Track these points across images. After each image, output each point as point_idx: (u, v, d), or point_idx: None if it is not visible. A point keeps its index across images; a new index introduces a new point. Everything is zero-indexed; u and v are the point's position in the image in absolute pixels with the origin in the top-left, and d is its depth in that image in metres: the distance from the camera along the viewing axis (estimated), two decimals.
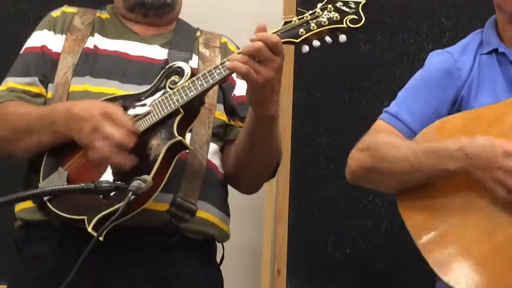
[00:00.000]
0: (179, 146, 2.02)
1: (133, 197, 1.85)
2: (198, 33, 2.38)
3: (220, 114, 2.26)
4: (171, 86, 2.05)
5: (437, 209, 2.09)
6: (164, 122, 2.03)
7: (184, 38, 2.33)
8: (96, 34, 2.29)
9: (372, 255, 2.92)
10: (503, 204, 2.03)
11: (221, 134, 2.28)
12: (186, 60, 2.20)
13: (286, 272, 2.99)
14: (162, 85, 2.08)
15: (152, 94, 2.09)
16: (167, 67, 2.11)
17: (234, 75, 2.23)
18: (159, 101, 2.04)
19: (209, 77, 2.01)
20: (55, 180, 2.06)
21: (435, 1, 2.88)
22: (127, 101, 2.09)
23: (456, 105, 2.21)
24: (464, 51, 2.27)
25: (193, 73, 2.07)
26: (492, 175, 2.00)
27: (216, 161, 2.24)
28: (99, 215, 1.96)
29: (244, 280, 3.13)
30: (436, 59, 2.27)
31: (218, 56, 2.32)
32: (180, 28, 2.38)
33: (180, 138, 2.00)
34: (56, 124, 2.06)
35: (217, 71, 2.01)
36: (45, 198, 2.05)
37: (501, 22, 2.27)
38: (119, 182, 1.81)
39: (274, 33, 1.99)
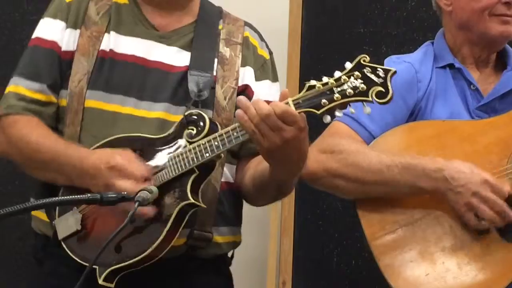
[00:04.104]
0: (192, 206, 2.00)
1: (138, 207, 1.86)
2: (220, 25, 2.26)
3: None
4: (188, 140, 2.01)
5: (397, 215, 2.11)
6: (178, 179, 2.00)
7: (206, 38, 2.22)
8: (111, 32, 2.17)
9: (377, 267, 2.90)
10: (463, 224, 2.07)
11: (236, 151, 2.22)
12: (207, 84, 2.13)
13: (291, 284, 2.99)
14: (180, 135, 2.04)
15: (169, 143, 2.04)
16: (185, 114, 2.05)
17: (251, 84, 2.21)
18: (174, 157, 2.00)
19: (226, 140, 1.95)
20: (69, 220, 2.05)
21: None
22: (144, 146, 2.06)
23: (413, 116, 2.24)
24: (422, 63, 2.29)
25: (211, 127, 2.01)
26: (466, 200, 2.03)
27: (230, 179, 2.21)
28: (110, 269, 1.96)
29: None
30: (397, 68, 2.27)
31: (238, 56, 2.22)
32: (202, 20, 2.25)
33: (192, 201, 1.97)
34: (70, 175, 2.04)
35: (235, 134, 1.94)
36: (60, 238, 2.05)
37: (459, 39, 2.29)
38: (125, 193, 1.80)
39: (295, 99, 1.88)
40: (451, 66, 2.28)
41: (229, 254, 2.28)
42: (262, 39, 2.33)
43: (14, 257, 2.98)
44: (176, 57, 2.18)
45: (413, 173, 2.06)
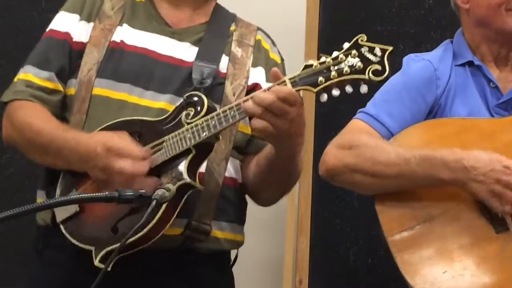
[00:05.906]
0: (189, 187, 1.99)
1: (155, 204, 1.86)
2: (233, 27, 2.29)
3: (243, 126, 2.19)
4: (186, 121, 2.02)
5: (415, 212, 2.09)
6: (175, 160, 2.00)
7: (216, 36, 2.25)
8: (124, 24, 2.21)
9: (394, 265, 2.90)
10: (484, 217, 2.06)
11: (243, 147, 2.23)
12: (211, 74, 2.15)
13: (308, 282, 2.99)
14: (179, 116, 2.05)
15: (168, 124, 2.05)
16: (184, 96, 2.06)
17: (262, 83, 2.21)
18: (172, 137, 2.01)
19: (223, 119, 1.96)
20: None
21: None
22: (142, 129, 2.07)
23: (432, 113, 2.23)
24: (441, 60, 2.28)
25: (210, 107, 2.02)
26: (489, 188, 2.01)
27: (234, 175, 2.21)
28: (106, 249, 1.96)
29: None
30: (416, 66, 2.28)
31: (250, 57, 2.24)
32: (215, 21, 2.28)
33: (189, 180, 1.97)
34: (68, 159, 2.05)
35: (232, 113, 1.95)
36: (58, 221, 2.05)
37: (477, 37, 2.28)
38: (143, 191, 1.79)
39: (292, 78, 1.92)
40: (470, 63, 2.27)
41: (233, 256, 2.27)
42: (274, 44, 2.35)
43: (16, 253, 3.00)
44: (187, 52, 2.20)
45: (431, 165, 2.05)
